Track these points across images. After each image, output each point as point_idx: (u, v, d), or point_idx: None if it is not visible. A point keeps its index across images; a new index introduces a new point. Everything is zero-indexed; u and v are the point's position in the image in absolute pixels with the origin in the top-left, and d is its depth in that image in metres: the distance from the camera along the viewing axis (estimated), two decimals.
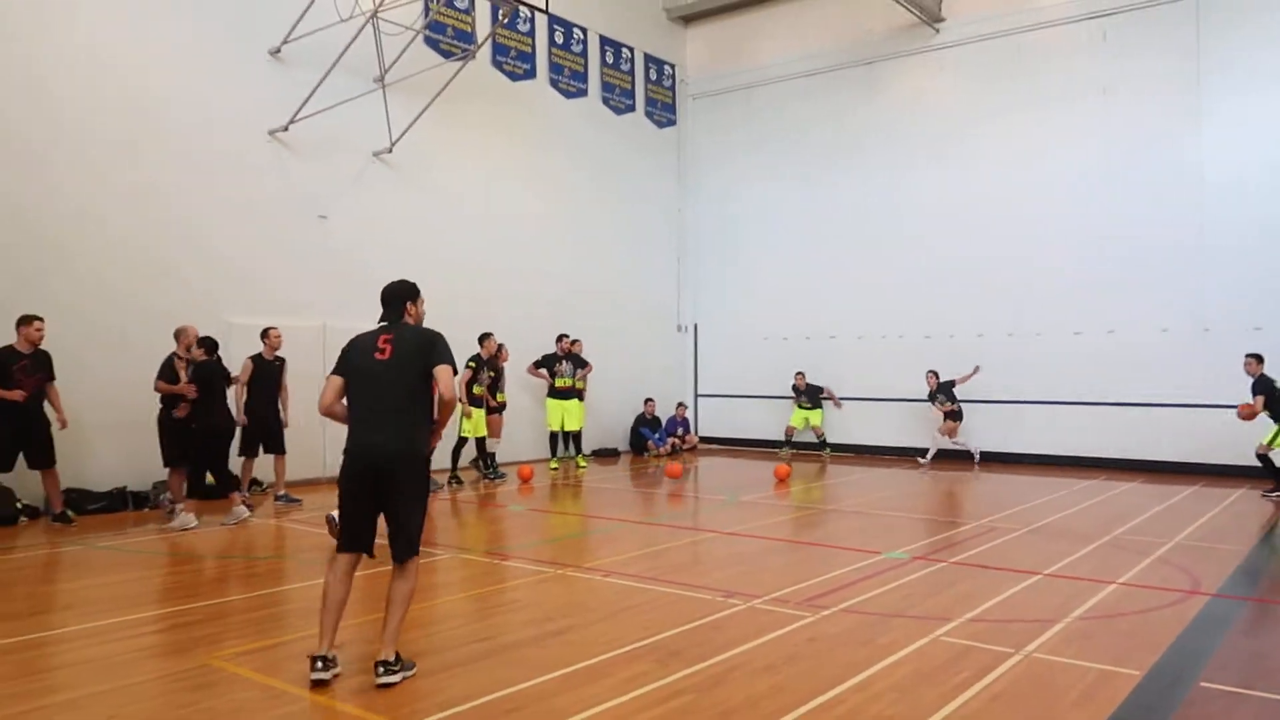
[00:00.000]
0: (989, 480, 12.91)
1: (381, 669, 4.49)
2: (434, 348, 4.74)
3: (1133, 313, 13.57)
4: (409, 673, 4.63)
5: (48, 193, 9.88)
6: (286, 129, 11.77)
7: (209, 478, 9.27)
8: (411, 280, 5.03)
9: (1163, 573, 7.02)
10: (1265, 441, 10.70)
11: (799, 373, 16.06)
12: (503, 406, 12.98)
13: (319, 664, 4.49)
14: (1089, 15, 14.10)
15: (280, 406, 10.29)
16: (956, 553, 7.76)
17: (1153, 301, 13.42)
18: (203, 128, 11.14)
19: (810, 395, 16.02)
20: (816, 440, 15.92)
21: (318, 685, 4.48)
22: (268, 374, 10.16)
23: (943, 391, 14.29)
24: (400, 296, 4.93)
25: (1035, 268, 14.40)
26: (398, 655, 4.58)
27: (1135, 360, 13.56)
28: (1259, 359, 10.96)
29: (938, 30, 15.43)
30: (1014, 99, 14.71)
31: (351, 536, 4.68)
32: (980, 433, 14.79)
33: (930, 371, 14.47)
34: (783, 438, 16.14)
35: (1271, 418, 10.67)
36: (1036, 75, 14.53)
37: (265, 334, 10.20)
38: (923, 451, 14.76)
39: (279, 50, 11.74)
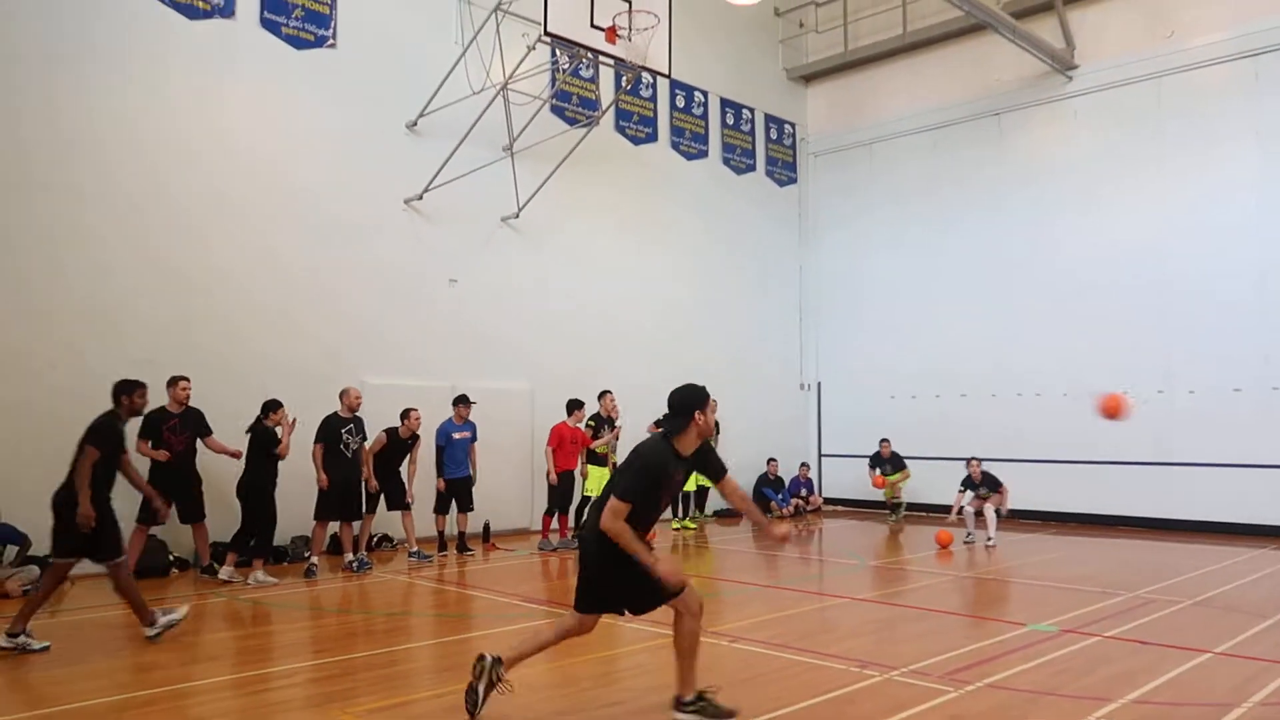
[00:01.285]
0: (1142, 548, 12.04)
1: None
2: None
3: None
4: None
5: (200, 257, 10.55)
6: (420, 198, 12.28)
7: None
8: (700, 385, 4.85)
9: None
10: None
11: (973, 459, 12.59)
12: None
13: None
14: (1239, 55, 13.39)
15: (403, 474, 10.62)
16: (1110, 626, 7.20)
17: None
18: (342, 198, 11.75)
19: (894, 461, 15.11)
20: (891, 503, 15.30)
21: None
22: (400, 449, 10.54)
23: (986, 484, 12.27)
24: (689, 405, 4.77)
25: (1183, 323, 13.54)
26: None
27: None
28: None
29: (1070, 78, 14.94)
30: (1156, 147, 14.04)
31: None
32: (1129, 495, 13.86)
33: (972, 459, 12.49)
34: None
35: None
36: (1180, 121, 13.84)
37: (406, 415, 10.52)
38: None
39: (415, 124, 12.32)
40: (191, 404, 9.44)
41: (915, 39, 16.60)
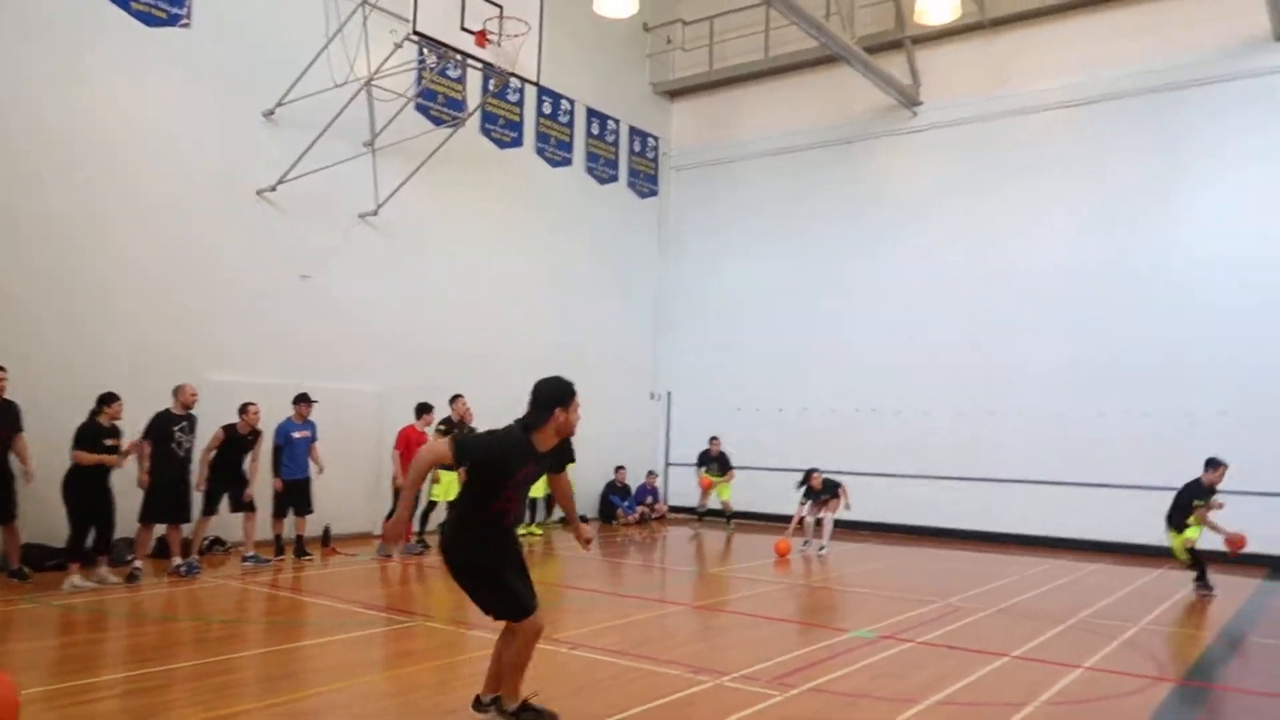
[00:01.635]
0: (957, 559, 12.92)
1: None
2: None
3: (1106, 393, 13.77)
4: None
5: (33, 239, 9.89)
6: (274, 189, 11.89)
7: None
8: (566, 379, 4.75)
9: (1130, 658, 7.04)
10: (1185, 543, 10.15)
11: (814, 471, 13.06)
12: None
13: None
14: (1064, 104, 14.59)
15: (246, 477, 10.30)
16: (924, 632, 7.75)
17: (1127, 382, 13.64)
18: (191, 184, 11.26)
19: (721, 462, 15.17)
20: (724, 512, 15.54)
21: None
22: (242, 446, 10.17)
23: (826, 490, 12.81)
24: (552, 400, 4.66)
25: (1003, 347, 14.63)
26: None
27: (1103, 441, 13.71)
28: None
29: (915, 113, 15.90)
30: (989, 181, 15.12)
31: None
32: (950, 508, 14.85)
33: (813, 470, 12.95)
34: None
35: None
36: (1011, 159, 14.96)
37: (244, 409, 10.17)
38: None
39: (273, 112, 11.93)
40: (16, 397, 8.84)
41: (776, 64, 17.27)
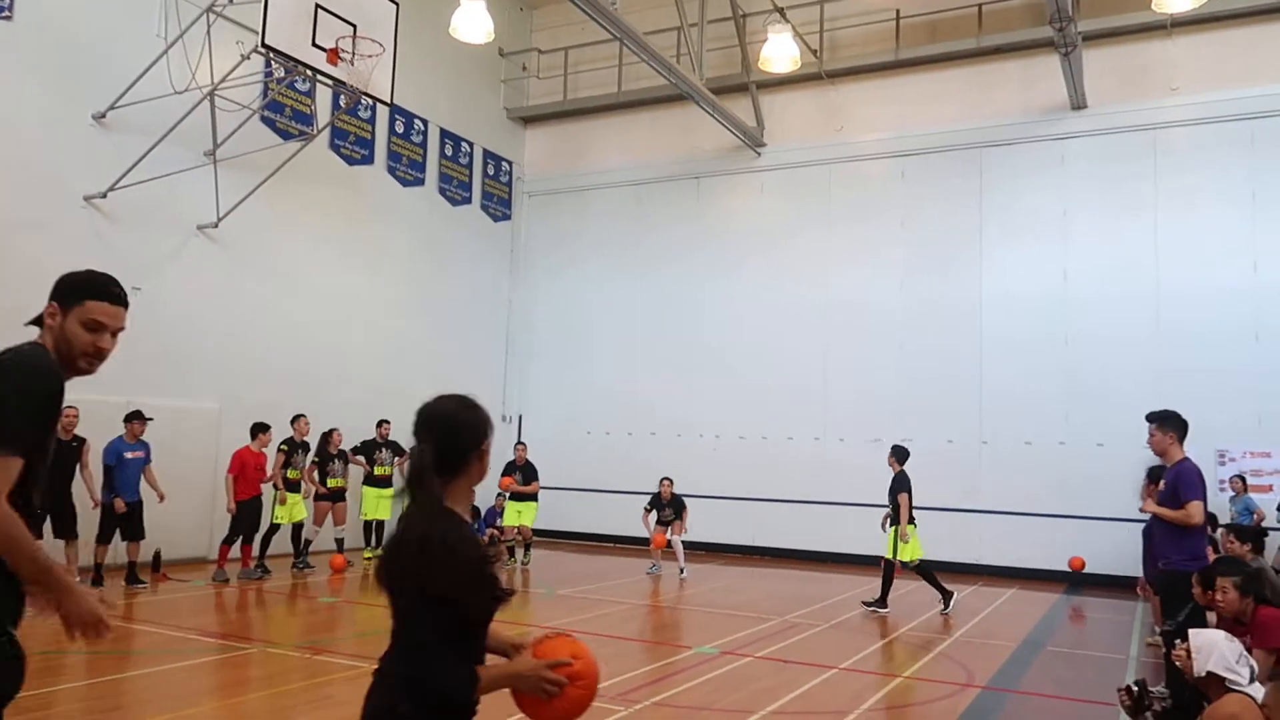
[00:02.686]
0: (793, 578, 13.57)
1: None
2: None
3: (925, 422, 14.82)
4: None
5: None
6: (104, 195, 11.30)
7: None
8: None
9: (944, 666, 7.67)
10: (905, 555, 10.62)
11: (665, 479, 13.56)
12: (337, 492, 12.76)
13: None
14: (891, 154, 15.71)
15: (87, 488, 9.75)
16: (762, 647, 8.17)
17: (942, 413, 14.74)
18: (10, 188, 10.54)
19: (675, 506, 13.53)
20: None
21: None
22: (62, 455, 9.55)
23: (673, 505, 13.33)
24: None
25: (840, 378, 15.54)
26: None
27: (924, 465, 14.72)
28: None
29: (759, 154, 16.72)
30: (824, 223, 16.05)
31: None
32: (786, 529, 15.58)
33: (665, 479, 13.48)
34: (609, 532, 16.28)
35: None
36: (844, 203, 15.96)
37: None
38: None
39: (104, 115, 11.35)
40: None
41: (628, 98, 17.77)
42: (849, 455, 15.32)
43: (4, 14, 10.63)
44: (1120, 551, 13.01)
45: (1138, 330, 13.68)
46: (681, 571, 13.00)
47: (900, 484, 10.87)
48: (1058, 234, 14.40)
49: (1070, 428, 13.96)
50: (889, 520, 10.94)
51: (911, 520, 10.65)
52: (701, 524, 15.78)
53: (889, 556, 10.69)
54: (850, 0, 15.81)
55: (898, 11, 15.67)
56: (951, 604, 10.49)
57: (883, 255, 15.53)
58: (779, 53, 14.80)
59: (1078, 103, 14.24)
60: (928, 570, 10.78)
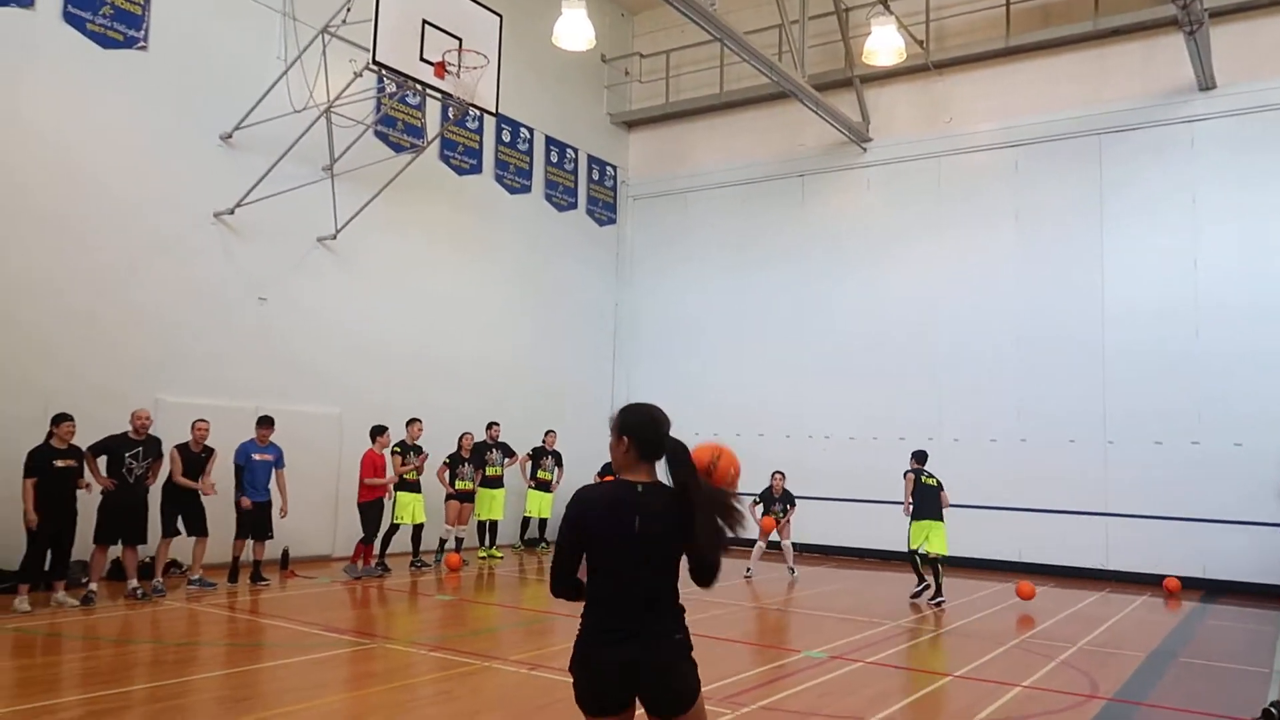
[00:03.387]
0: (906, 581, 13.24)
1: None
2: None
3: (1044, 423, 14.28)
4: None
5: None
6: (232, 212, 11.93)
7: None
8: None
9: (1066, 676, 7.37)
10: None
11: (777, 473, 13.28)
12: (465, 494, 13.27)
13: None
14: (1003, 144, 15.18)
15: (199, 487, 10.26)
16: (873, 653, 8.02)
17: (1062, 413, 14.16)
18: (147, 207, 11.24)
19: (786, 500, 13.21)
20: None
21: None
22: (194, 464, 10.15)
23: (784, 500, 13.10)
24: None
25: (955, 377, 15.10)
26: None
27: (1046, 468, 14.21)
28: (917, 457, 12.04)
29: (865, 149, 16.41)
30: (934, 217, 15.64)
31: None
32: (896, 532, 15.21)
33: (776, 472, 13.24)
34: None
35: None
36: (954, 197, 15.50)
37: (193, 426, 10.20)
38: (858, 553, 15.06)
39: (230, 136, 11.98)
40: None
41: (730, 99, 17.70)
42: (964, 455, 14.85)
43: (140, 45, 11.34)
44: (1259, 557, 12.28)
45: (1278, 320, 12.84)
46: (792, 572, 12.84)
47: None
48: (1187, 221, 13.63)
49: (1204, 426, 13.19)
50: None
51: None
52: (812, 526, 15.56)
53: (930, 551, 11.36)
54: None
55: None
56: (924, 595, 11.15)
57: (996, 249, 15.02)
58: (883, 45, 14.49)
59: (1205, 83, 13.46)
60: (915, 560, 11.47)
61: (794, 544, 13.20)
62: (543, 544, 15.35)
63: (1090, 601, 11.58)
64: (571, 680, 3.12)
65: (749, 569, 12.95)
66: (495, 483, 13.85)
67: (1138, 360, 13.68)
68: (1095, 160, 14.39)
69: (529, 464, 14.75)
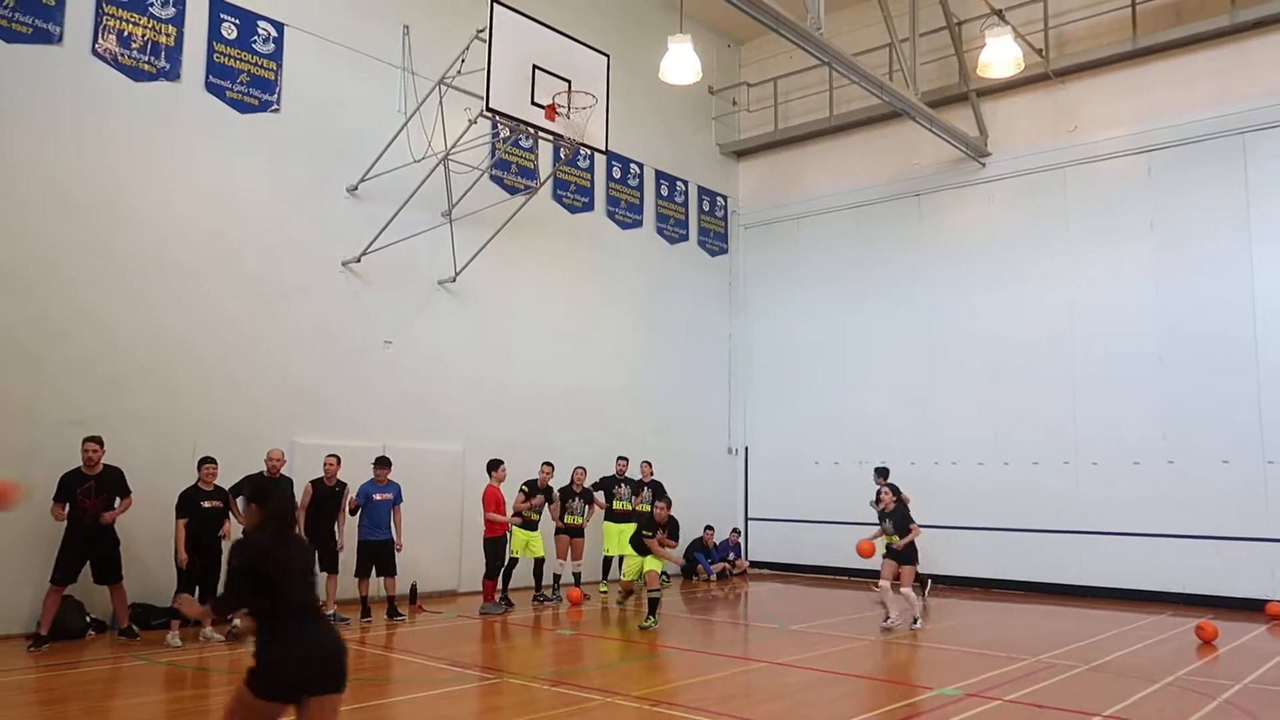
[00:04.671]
0: (1045, 613, 12.56)
1: None
2: None
3: (1193, 444, 13.37)
4: None
5: (132, 312, 10.55)
6: (359, 260, 12.48)
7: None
8: None
9: (1229, 718, 6.79)
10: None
11: (881, 481, 12.50)
12: (574, 529, 13.26)
13: None
14: (1134, 150, 14.44)
15: (336, 530, 10.65)
16: (1011, 690, 7.59)
17: (1214, 433, 13.23)
18: (281, 258, 11.88)
19: (898, 518, 11.34)
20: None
21: None
22: (327, 499, 10.56)
23: (895, 516, 11.19)
24: None
25: (1091, 398, 14.33)
26: None
27: (1195, 491, 13.28)
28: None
29: (983, 164, 15.89)
30: (1061, 230, 14.96)
31: None
32: (1036, 561, 14.48)
33: (879, 475, 12.45)
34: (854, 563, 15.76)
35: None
36: (1083, 208, 14.80)
37: (324, 463, 10.66)
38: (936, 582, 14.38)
39: (356, 188, 12.57)
40: (119, 463, 9.41)
41: (840, 122, 17.47)
42: (1104, 480, 14.07)
43: (274, 108, 12.05)
44: None
45: None
46: (916, 622, 10.98)
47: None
48: None
49: None
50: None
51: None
52: (941, 556, 15.00)
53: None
54: None
55: None
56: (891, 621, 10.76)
57: (1131, 260, 14.24)
58: (999, 56, 14.04)
59: None
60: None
61: (926, 577, 12.59)
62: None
63: (1256, 634, 10.69)
64: None
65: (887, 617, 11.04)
66: (623, 517, 13.79)
67: None
68: (1240, 161, 13.51)
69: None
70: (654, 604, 10.94)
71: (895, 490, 11.56)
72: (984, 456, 15.24)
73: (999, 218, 15.76)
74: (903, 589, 10.92)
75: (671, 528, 11.55)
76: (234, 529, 9.71)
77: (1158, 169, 14.20)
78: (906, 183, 16.79)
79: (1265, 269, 13.14)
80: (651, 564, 11.29)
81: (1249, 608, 12.39)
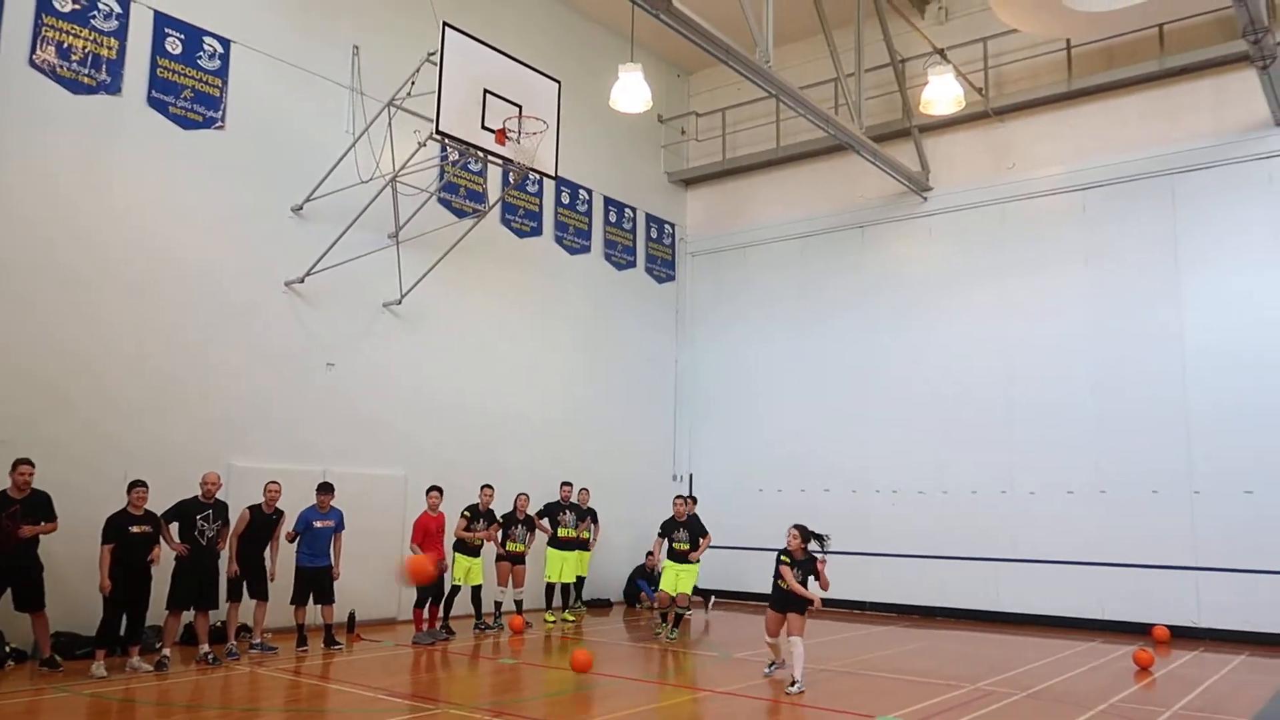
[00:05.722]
0: (982, 641, 12.74)
1: None
2: None
3: (1124, 474, 13.74)
4: None
5: (64, 329, 10.26)
6: (303, 280, 12.29)
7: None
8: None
9: None
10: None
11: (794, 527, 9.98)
12: (516, 556, 13.03)
13: None
14: (1070, 188, 14.90)
15: (267, 557, 10.39)
16: (952, 717, 7.67)
17: (1144, 463, 13.61)
18: (222, 278, 11.65)
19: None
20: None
21: None
22: (262, 526, 10.32)
23: (802, 565, 9.46)
24: None
25: (1027, 428, 14.66)
26: None
27: (1128, 521, 13.63)
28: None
29: (925, 198, 16.25)
30: (999, 264, 15.35)
31: None
32: (971, 589, 14.71)
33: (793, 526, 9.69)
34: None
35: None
36: (1020, 243, 15.21)
37: (265, 488, 10.39)
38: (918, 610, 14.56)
39: (301, 208, 12.40)
40: (46, 485, 9.08)
41: (787, 153, 17.75)
42: (1041, 508, 14.39)
43: (218, 125, 11.87)
44: None
45: None
46: (795, 686, 8.80)
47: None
48: (1269, 260, 13.14)
49: None
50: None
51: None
52: (881, 583, 15.17)
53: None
54: (1015, 35, 15.21)
55: (1068, 41, 14.97)
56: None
57: (1065, 294, 14.66)
58: (941, 94, 14.43)
59: None
60: None
61: (862, 602, 12.69)
62: (578, 604, 14.72)
63: (1184, 661, 10.97)
64: None
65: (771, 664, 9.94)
66: (568, 544, 13.77)
67: (1224, 403, 13.14)
68: (1169, 200, 14.02)
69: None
70: (679, 619, 12.23)
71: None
72: (924, 485, 15.48)
73: (939, 251, 16.12)
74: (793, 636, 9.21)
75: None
76: (165, 555, 9.43)
77: (1092, 206, 14.67)
78: (851, 214, 17.09)
79: (1193, 304, 13.62)
80: (684, 585, 12.31)
81: (1178, 635, 12.71)
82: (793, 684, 8.76)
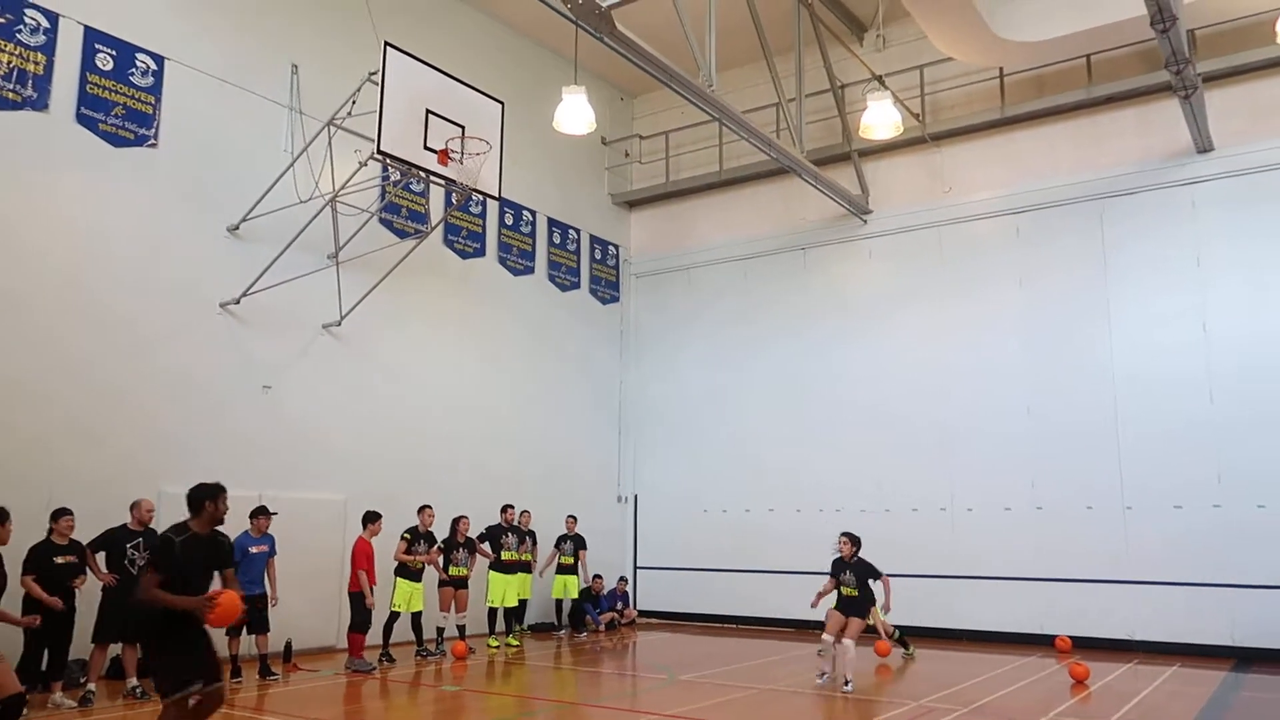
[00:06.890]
0: (925, 657, 12.86)
1: None
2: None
3: (1059, 491, 14.03)
4: None
5: None
6: (238, 302, 12.02)
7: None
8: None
9: None
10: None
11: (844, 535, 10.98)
12: (459, 580, 12.80)
13: None
14: (1004, 211, 15.27)
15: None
16: None
17: (1078, 480, 13.92)
18: (154, 299, 11.33)
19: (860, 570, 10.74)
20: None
21: None
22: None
23: (856, 570, 10.57)
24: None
25: (965, 446, 14.91)
26: None
27: (1063, 536, 13.91)
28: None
29: (865, 221, 16.53)
30: (937, 285, 15.64)
31: None
32: (915, 606, 14.85)
33: (844, 534, 10.92)
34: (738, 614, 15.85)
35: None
36: (957, 264, 15.54)
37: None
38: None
39: (237, 228, 12.14)
40: None
41: (730, 176, 17.93)
42: (979, 525, 14.64)
43: (151, 143, 11.59)
44: None
45: None
46: (847, 686, 9.86)
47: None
48: (1193, 283, 13.60)
49: (1224, 489, 12.95)
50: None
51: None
52: (824, 600, 15.21)
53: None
54: (951, 63, 15.61)
55: (1001, 69, 15.40)
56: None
57: (1000, 315, 14.99)
58: (880, 120, 14.68)
59: (1203, 146, 13.59)
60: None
61: (806, 621, 12.77)
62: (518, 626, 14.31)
63: (1118, 674, 11.19)
64: None
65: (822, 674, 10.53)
66: (510, 568, 13.67)
67: (1152, 418, 13.51)
68: (1097, 224, 14.44)
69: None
70: (903, 641, 12.72)
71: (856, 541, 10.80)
72: (866, 504, 15.63)
73: (878, 273, 16.39)
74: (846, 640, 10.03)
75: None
76: (91, 584, 9.08)
77: (1025, 229, 15.05)
78: (793, 236, 17.30)
79: (1121, 325, 14.02)
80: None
81: (1112, 647, 12.99)
82: (845, 683, 9.73)
